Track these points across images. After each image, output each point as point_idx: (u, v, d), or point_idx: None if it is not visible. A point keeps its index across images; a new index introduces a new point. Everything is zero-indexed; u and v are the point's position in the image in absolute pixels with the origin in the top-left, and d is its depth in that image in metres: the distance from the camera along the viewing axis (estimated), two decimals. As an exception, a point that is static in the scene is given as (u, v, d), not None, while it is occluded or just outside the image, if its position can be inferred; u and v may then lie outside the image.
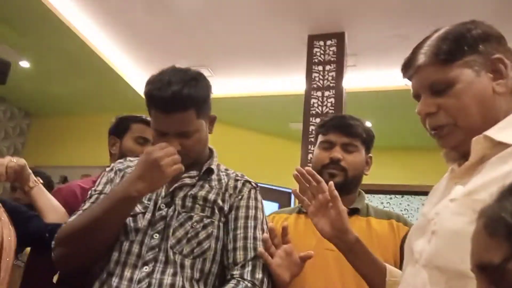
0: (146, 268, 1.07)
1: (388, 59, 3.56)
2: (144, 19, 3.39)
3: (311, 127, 3.15)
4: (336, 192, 1.08)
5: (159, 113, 1.14)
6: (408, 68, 0.89)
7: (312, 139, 3.12)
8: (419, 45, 0.89)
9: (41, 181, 1.39)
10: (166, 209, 1.15)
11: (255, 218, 1.20)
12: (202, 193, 1.19)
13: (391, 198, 5.92)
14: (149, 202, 1.17)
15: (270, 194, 4.29)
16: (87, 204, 1.23)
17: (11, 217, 1.27)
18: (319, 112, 3.19)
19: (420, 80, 0.87)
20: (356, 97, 3.80)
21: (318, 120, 3.16)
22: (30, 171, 1.38)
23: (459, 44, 0.83)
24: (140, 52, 3.88)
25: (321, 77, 3.28)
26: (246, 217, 1.19)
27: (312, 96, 3.25)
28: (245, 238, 1.16)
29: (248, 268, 1.11)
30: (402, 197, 5.86)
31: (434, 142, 0.89)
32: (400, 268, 1.15)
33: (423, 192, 4.60)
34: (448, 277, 0.74)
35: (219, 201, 1.19)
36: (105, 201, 1.10)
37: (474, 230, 0.52)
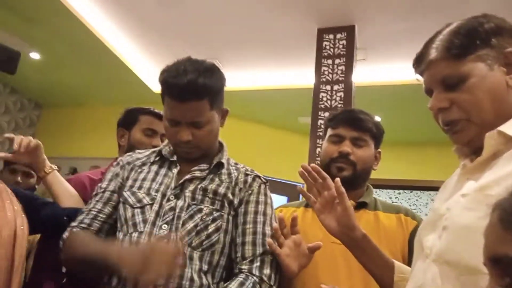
0: None
1: (398, 53, 3.52)
2: (154, 11, 3.39)
3: (320, 121, 3.14)
4: (342, 189, 1.07)
5: (173, 101, 1.14)
6: (420, 63, 0.88)
7: (321, 133, 3.11)
8: (431, 40, 0.87)
9: (56, 167, 1.39)
10: (175, 201, 1.16)
11: (265, 213, 1.20)
12: (212, 186, 1.19)
13: (399, 193, 5.89)
14: (156, 194, 1.18)
15: (280, 187, 4.28)
16: (93, 203, 1.24)
17: (23, 206, 1.28)
18: (328, 106, 3.17)
19: (432, 75, 0.86)
20: (366, 91, 3.77)
21: (326, 114, 3.14)
22: (45, 157, 1.38)
23: (472, 38, 0.82)
24: (150, 44, 3.88)
25: (330, 70, 3.26)
26: (256, 212, 1.19)
27: (321, 90, 3.23)
28: (254, 233, 1.16)
29: (257, 264, 1.12)
30: (410, 192, 5.83)
31: (444, 137, 0.88)
32: (408, 262, 1.15)
33: (432, 187, 4.57)
34: (459, 272, 0.73)
35: (229, 195, 1.19)
36: (100, 254, 1.04)
37: (488, 223, 0.52)
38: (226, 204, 1.18)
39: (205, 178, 1.21)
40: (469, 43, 0.82)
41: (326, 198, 1.09)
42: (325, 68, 3.27)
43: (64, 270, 1.39)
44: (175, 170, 1.23)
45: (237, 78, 4.16)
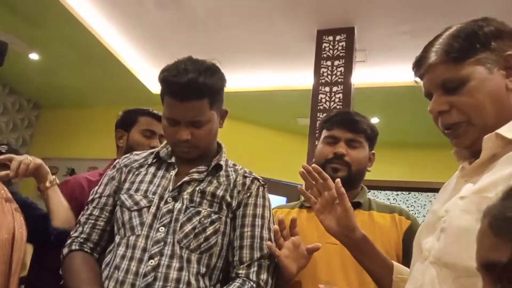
0: (151, 262, 1.07)
1: (398, 55, 3.53)
2: (153, 13, 3.39)
3: (319, 122, 3.14)
4: (343, 189, 1.08)
5: (173, 100, 1.14)
6: (419, 66, 0.88)
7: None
8: (431, 43, 0.88)
9: (58, 181, 1.38)
10: (173, 203, 1.15)
11: (263, 217, 1.20)
12: (211, 188, 1.19)
13: (397, 194, 5.90)
14: (154, 196, 1.17)
15: (279, 188, 4.28)
16: (90, 209, 1.24)
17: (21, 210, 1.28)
18: (327, 107, 3.17)
19: (432, 79, 0.86)
20: (365, 93, 3.77)
21: (326, 115, 3.14)
22: (48, 170, 1.35)
23: (471, 42, 0.82)
24: (149, 45, 3.88)
25: (329, 72, 3.26)
26: (254, 215, 1.19)
27: (320, 92, 3.23)
28: (252, 237, 1.16)
29: (254, 269, 1.12)
30: (408, 193, 5.85)
31: (442, 139, 0.88)
32: (403, 261, 1.16)
33: (430, 188, 4.58)
34: (456, 274, 0.73)
35: (227, 197, 1.19)
36: None
37: (479, 229, 0.52)
38: (224, 207, 1.17)
39: (203, 180, 1.21)
40: (468, 47, 0.82)
41: (326, 199, 1.09)
42: (324, 70, 3.27)
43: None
44: (173, 172, 1.22)
45: (237, 79, 4.16)
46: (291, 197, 4.45)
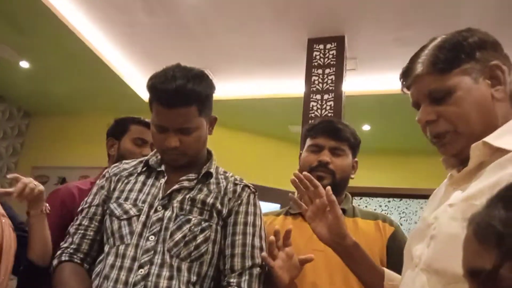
0: (141, 271, 1.06)
1: (388, 63, 3.56)
2: (144, 20, 3.39)
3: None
4: (333, 197, 1.08)
5: (161, 107, 1.13)
6: (406, 77, 0.90)
7: (311, 142, 3.11)
8: (416, 55, 0.89)
9: (48, 210, 1.34)
10: (162, 211, 1.14)
11: (254, 225, 1.20)
12: (201, 196, 1.18)
13: (389, 201, 5.92)
14: (143, 205, 1.16)
15: (273, 195, 4.27)
16: (79, 219, 1.23)
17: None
18: (318, 115, 3.19)
19: (419, 89, 0.87)
20: (356, 101, 3.80)
21: (316, 123, 3.15)
22: (44, 198, 1.32)
23: (456, 53, 0.84)
24: (140, 53, 3.88)
25: (320, 80, 3.28)
26: (245, 223, 1.19)
27: (311, 99, 3.25)
28: (244, 245, 1.16)
29: (246, 277, 1.11)
30: (400, 200, 5.87)
31: (432, 146, 0.90)
32: (387, 266, 1.17)
33: (421, 195, 4.60)
34: (446, 281, 0.74)
35: (218, 205, 1.18)
36: None
37: (464, 237, 0.53)
38: (214, 214, 1.17)
39: (193, 188, 1.20)
40: (454, 58, 0.84)
41: (317, 206, 1.09)
42: (315, 78, 3.29)
43: None
44: (162, 180, 1.21)
45: (228, 88, 4.17)
46: (285, 204, 4.43)
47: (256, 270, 1.13)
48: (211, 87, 1.21)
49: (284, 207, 1.55)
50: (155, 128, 1.18)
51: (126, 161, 1.35)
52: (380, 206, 5.84)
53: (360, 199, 5.50)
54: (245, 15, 3.22)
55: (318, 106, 3.21)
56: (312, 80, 3.29)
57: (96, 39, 3.70)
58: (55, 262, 1.18)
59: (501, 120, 0.82)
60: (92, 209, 1.23)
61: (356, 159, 1.49)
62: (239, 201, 1.22)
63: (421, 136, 0.91)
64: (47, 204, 1.33)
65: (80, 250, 1.19)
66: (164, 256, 1.08)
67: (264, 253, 1.15)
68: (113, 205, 1.19)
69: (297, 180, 1.11)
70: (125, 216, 1.15)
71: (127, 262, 1.08)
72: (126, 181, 1.24)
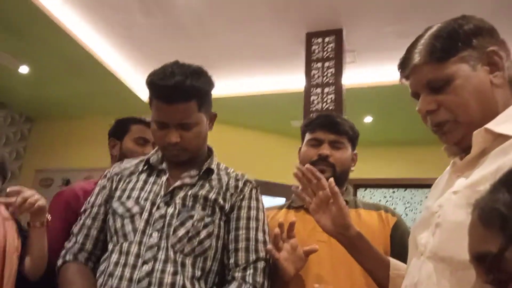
0: (145, 267, 1.07)
1: (387, 55, 3.55)
2: (141, 22, 3.39)
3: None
4: (336, 188, 1.09)
5: (160, 103, 1.14)
6: (404, 68, 0.90)
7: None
8: (413, 45, 0.89)
9: (49, 218, 1.32)
10: (165, 208, 1.15)
11: (257, 219, 1.21)
12: (203, 192, 1.19)
13: (394, 192, 5.92)
14: (145, 202, 1.17)
15: (276, 189, 4.27)
16: (83, 219, 1.24)
17: None
18: (319, 109, 3.19)
19: (417, 79, 0.87)
20: (356, 93, 3.79)
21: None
22: (46, 211, 1.30)
23: (453, 41, 0.83)
24: (138, 54, 3.88)
25: (320, 74, 3.28)
26: (248, 218, 1.20)
27: (312, 93, 3.24)
28: (247, 239, 1.16)
29: (250, 271, 1.12)
30: (404, 190, 5.86)
31: (435, 136, 0.90)
32: (391, 257, 1.17)
33: (426, 185, 4.60)
34: (453, 268, 0.74)
35: (220, 200, 1.19)
36: None
37: (470, 222, 0.53)
38: (217, 210, 1.18)
39: (195, 184, 1.21)
40: (451, 46, 0.83)
41: (320, 198, 1.10)
42: (315, 72, 3.29)
43: None
44: (164, 178, 1.22)
45: (229, 85, 4.17)
46: (289, 198, 4.44)
47: (261, 264, 1.14)
48: (210, 83, 1.22)
49: (288, 201, 1.56)
50: (156, 124, 1.19)
51: (128, 160, 1.36)
52: (385, 197, 5.84)
53: (365, 190, 5.50)
54: (242, 11, 3.21)
55: (319, 100, 3.21)
56: (312, 74, 3.29)
57: (94, 42, 3.70)
58: (59, 262, 1.19)
59: (501, 106, 0.82)
60: (95, 209, 1.24)
61: (355, 151, 1.50)
62: (241, 196, 1.22)
63: (423, 126, 0.91)
64: (49, 216, 1.31)
65: (84, 249, 1.20)
66: (168, 252, 1.09)
67: (269, 246, 1.15)
68: (115, 204, 1.20)
69: (299, 173, 1.12)
70: (127, 214, 1.16)
71: (131, 259, 1.09)
72: (127, 180, 1.25)
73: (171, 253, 1.09)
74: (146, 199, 1.18)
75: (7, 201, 1.21)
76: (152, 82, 1.16)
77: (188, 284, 1.07)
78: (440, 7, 2.90)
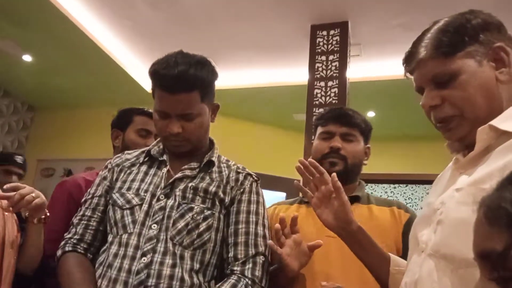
0: (144, 259, 1.07)
1: (392, 48, 3.53)
2: (146, 12, 3.37)
3: (315, 117, 3.14)
4: (339, 183, 1.08)
5: (163, 93, 1.13)
6: (409, 62, 0.89)
7: (316, 130, 3.11)
8: (419, 38, 0.88)
9: (48, 217, 1.30)
10: (165, 200, 1.15)
11: (257, 213, 1.20)
12: (203, 185, 1.19)
13: (395, 187, 5.92)
14: (145, 194, 1.17)
15: (277, 183, 4.27)
16: (83, 210, 1.24)
17: None
18: (323, 102, 3.18)
19: (423, 74, 0.86)
20: (360, 87, 3.78)
21: (321, 110, 3.14)
22: (44, 209, 1.27)
23: (460, 36, 0.83)
24: (143, 45, 3.87)
25: (324, 67, 3.26)
26: (248, 212, 1.19)
27: (315, 87, 3.23)
28: (247, 233, 1.16)
29: (249, 265, 1.12)
30: (406, 186, 5.87)
31: (437, 131, 0.89)
32: (403, 254, 1.16)
33: (427, 181, 4.59)
34: (455, 265, 0.74)
35: (220, 193, 1.19)
36: None
37: (475, 220, 0.53)
38: (217, 203, 1.17)
39: (196, 176, 1.21)
40: (457, 41, 0.82)
41: (323, 193, 1.09)
42: (319, 65, 3.27)
43: None
44: (164, 170, 1.22)
45: (232, 77, 4.16)
46: (291, 192, 4.45)
47: (260, 259, 1.14)
48: (213, 73, 1.21)
49: (291, 195, 1.56)
50: (158, 114, 1.18)
51: (129, 151, 1.36)
52: (386, 192, 5.84)
53: (366, 185, 5.50)
54: (246, 3, 3.19)
55: (323, 93, 3.19)
56: (316, 67, 3.27)
57: (98, 31, 3.69)
58: (59, 252, 1.19)
59: (506, 103, 0.81)
60: (95, 200, 1.24)
61: (368, 145, 1.49)
62: (242, 190, 1.22)
63: (426, 122, 0.90)
64: (48, 212, 1.29)
65: (83, 240, 1.20)
66: (167, 244, 1.09)
67: (270, 241, 1.15)
68: (115, 195, 1.20)
69: (302, 167, 1.11)
70: (127, 206, 1.16)
71: (130, 251, 1.09)
72: (128, 171, 1.25)
73: (170, 245, 1.09)
74: (146, 191, 1.17)
75: (5, 195, 1.18)
76: (155, 71, 1.15)
77: (186, 276, 1.07)
78: (447, 0, 2.87)
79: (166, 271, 1.05)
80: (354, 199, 1.39)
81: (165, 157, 1.25)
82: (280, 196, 4.25)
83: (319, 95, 3.20)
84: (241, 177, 1.24)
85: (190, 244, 1.11)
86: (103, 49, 3.82)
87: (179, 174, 1.19)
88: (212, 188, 1.19)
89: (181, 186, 1.17)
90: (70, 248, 1.18)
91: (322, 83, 3.22)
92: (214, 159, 1.26)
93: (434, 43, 0.84)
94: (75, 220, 1.24)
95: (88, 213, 1.23)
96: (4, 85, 4.80)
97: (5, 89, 4.87)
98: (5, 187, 1.20)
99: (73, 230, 1.21)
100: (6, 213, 1.23)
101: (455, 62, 0.82)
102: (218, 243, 1.15)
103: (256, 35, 3.59)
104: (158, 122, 1.19)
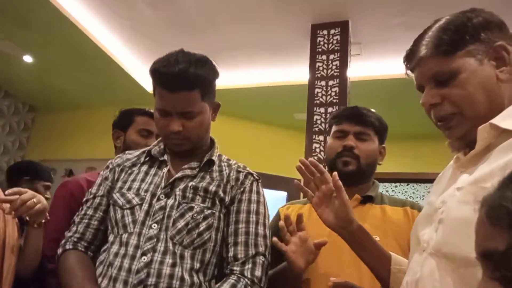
0: (144, 258, 1.07)
1: (393, 47, 3.53)
2: (147, 13, 3.37)
3: (315, 117, 3.14)
4: (340, 183, 1.08)
5: (163, 91, 1.14)
6: (410, 60, 0.89)
7: (317, 129, 3.11)
8: (420, 37, 0.88)
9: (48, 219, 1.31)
10: (165, 200, 1.15)
11: (257, 213, 1.20)
12: (203, 184, 1.19)
13: (396, 186, 5.92)
14: (145, 194, 1.17)
15: (278, 183, 4.27)
16: (84, 209, 1.24)
17: None
18: (323, 101, 3.17)
19: (423, 72, 0.86)
20: (361, 86, 3.77)
21: (322, 110, 3.14)
22: (46, 214, 1.28)
23: (461, 34, 0.83)
24: (143, 45, 3.87)
25: (325, 66, 3.26)
26: (248, 211, 1.19)
27: (316, 86, 3.23)
28: (247, 233, 1.16)
29: (249, 265, 1.12)
30: (407, 185, 5.86)
31: (439, 130, 0.89)
32: None
33: (428, 179, 4.59)
34: (456, 264, 0.74)
35: (220, 193, 1.19)
36: None
37: (477, 219, 0.53)
38: (217, 202, 1.17)
39: (196, 176, 1.21)
40: (458, 39, 0.82)
41: (323, 192, 1.09)
42: (320, 64, 3.27)
43: None
44: (165, 169, 1.22)
45: (232, 76, 4.16)
46: (292, 192, 4.45)
47: (260, 259, 1.13)
48: (214, 72, 1.21)
49: (291, 194, 1.56)
50: (158, 113, 1.18)
51: (129, 151, 1.36)
52: (387, 191, 5.84)
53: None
54: (247, 3, 3.19)
55: (323, 92, 3.19)
56: (317, 66, 3.27)
57: (99, 32, 3.69)
58: (59, 250, 1.19)
59: (507, 102, 0.81)
60: (97, 200, 1.24)
61: (383, 145, 1.48)
62: (242, 189, 1.22)
63: (427, 120, 0.90)
64: (49, 215, 1.30)
65: (84, 239, 1.20)
66: (167, 243, 1.09)
67: (275, 238, 1.15)
68: (116, 195, 1.20)
69: (302, 167, 1.11)
70: (128, 206, 1.16)
71: (130, 250, 1.09)
72: (129, 171, 1.25)
73: (170, 244, 1.09)
74: (146, 191, 1.18)
75: (7, 199, 1.18)
76: (156, 69, 1.15)
77: (186, 276, 1.07)
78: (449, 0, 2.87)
79: (166, 270, 1.06)
80: (368, 199, 1.39)
81: (165, 157, 1.25)
82: (281, 195, 4.25)
83: (319, 95, 3.20)
84: (241, 176, 1.24)
85: (190, 243, 1.11)
86: (103, 50, 3.83)
87: (179, 174, 1.19)
88: (212, 188, 1.19)
89: (181, 186, 1.17)
90: (71, 246, 1.18)
91: (323, 82, 3.22)
92: (215, 158, 1.26)
93: (435, 42, 0.84)
94: (76, 219, 1.24)
95: (90, 212, 1.23)
96: (5, 86, 4.81)
97: (6, 90, 4.87)
98: (7, 192, 1.20)
99: (74, 228, 1.22)
100: (8, 216, 1.24)
101: (455, 61, 0.82)
102: (218, 242, 1.15)
103: (256, 34, 3.58)
104: (159, 121, 1.19)
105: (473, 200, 0.71)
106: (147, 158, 1.27)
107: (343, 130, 1.42)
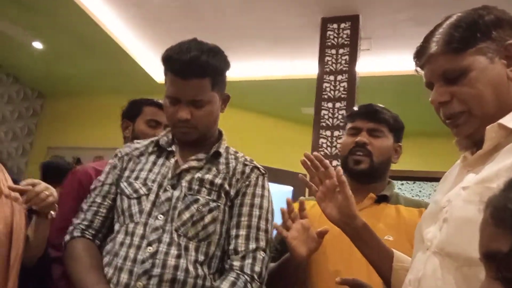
0: (150, 249, 1.08)
1: (403, 43, 3.50)
2: (156, 1, 3.37)
3: (323, 112, 3.13)
4: (344, 178, 1.08)
5: (175, 77, 1.14)
6: (420, 57, 0.88)
7: (324, 124, 3.11)
8: (431, 33, 0.87)
9: (54, 214, 1.32)
10: (171, 191, 1.16)
11: (261, 207, 1.20)
12: (209, 176, 1.19)
13: (402, 184, 5.90)
14: (153, 184, 1.18)
15: (284, 177, 4.28)
16: (92, 197, 1.25)
17: None
18: (331, 96, 3.16)
19: (433, 69, 0.85)
20: (369, 81, 3.75)
21: (330, 104, 3.13)
22: (54, 207, 1.28)
23: (472, 32, 0.81)
24: (152, 34, 3.87)
25: (334, 60, 3.24)
26: (252, 205, 1.19)
27: (324, 80, 3.22)
28: (249, 226, 1.16)
29: (248, 261, 1.11)
30: (413, 183, 5.84)
31: (447, 128, 0.88)
32: None
33: (435, 178, 4.57)
34: (459, 264, 0.74)
35: (226, 185, 1.19)
36: None
37: (481, 220, 0.53)
38: (222, 195, 1.18)
39: (202, 167, 1.21)
40: (469, 37, 0.81)
41: (327, 187, 1.09)
42: (329, 58, 3.26)
43: None
44: (172, 160, 1.22)
45: (241, 69, 4.15)
46: (298, 186, 4.45)
47: (260, 254, 1.13)
48: (225, 62, 1.22)
49: (297, 189, 1.55)
50: (168, 100, 1.19)
51: (138, 141, 1.36)
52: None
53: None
54: (257, -6, 3.17)
55: (332, 87, 3.18)
56: (326, 60, 3.25)
57: (108, 19, 3.70)
58: (67, 237, 1.20)
59: None
60: (106, 187, 1.25)
61: (399, 143, 1.46)
62: (247, 183, 1.22)
63: (434, 118, 0.90)
64: (57, 206, 1.30)
65: (92, 227, 1.21)
66: (172, 235, 1.10)
67: (275, 222, 1.15)
68: (123, 184, 1.21)
69: (307, 161, 1.11)
70: (134, 195, 1.17)
71: (136, 240, 1.10)
72: (137, 160, 1.26)
73: (175, 236, 1.10)
74: (153, 181, 1.18)
75: (21, 189, 1.20)
76: (168, 56, 1.16)
77: (191, 268, 1.07)
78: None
79: (171, 261, 1.06)
80: (383, 199, 1.38)
81: (173, 147, 1.26)
82: (286, 190, 4.25)
83: (328, 89, 3.18)
84: (247, 169, 1.24)
85: (195, 235, 1.11)
86: (112, 38, 3.84)
87: (185, 165, 1.20)
88: (218, 180, 1.19)
89: (188, 177, 1.18)
90: (79, 234, 1.19)
91: (332, 77, 3.20)
92: (222, 150, 1.26)
93: (445, 39, 0.83)
94: (84, 206, 1.24)
95: (98, 200, 1.24)
96: (14, 72, 4.84)
97: (15, 76, 4.91)
98: (21, 182, 1.22)
99: (82, 215, 1.23)
100: (16, 205, 1.25)
101: (466, 59, 0.81)
102: (223, 235, 1.16)
103: (266, 27, 3.57)
104: (168, 109, 1.20)
105: (479, 200, 0.71)
106: (155, 148, 1.28)
107: (356, 127, 1.42)
